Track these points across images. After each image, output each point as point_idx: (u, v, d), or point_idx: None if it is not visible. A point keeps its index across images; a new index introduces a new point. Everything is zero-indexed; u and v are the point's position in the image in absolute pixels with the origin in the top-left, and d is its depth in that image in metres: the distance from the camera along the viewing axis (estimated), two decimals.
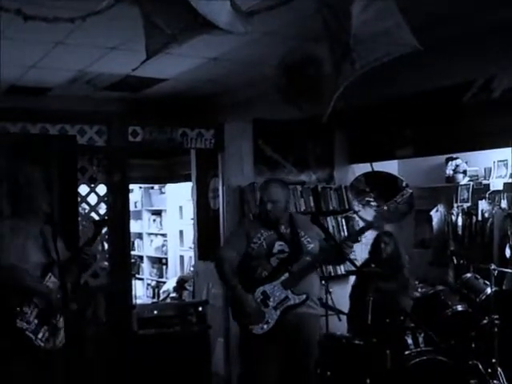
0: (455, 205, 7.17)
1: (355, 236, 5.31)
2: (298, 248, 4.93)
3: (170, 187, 10.85)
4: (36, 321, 4.20)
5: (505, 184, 6.64)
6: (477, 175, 7.13)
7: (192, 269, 8.90)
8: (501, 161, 6.76)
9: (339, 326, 5.95)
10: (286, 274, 4.85)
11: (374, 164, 7.41)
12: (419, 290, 6.17)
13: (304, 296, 4.84)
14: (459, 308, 5.69)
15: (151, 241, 11.68)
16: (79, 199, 6.17)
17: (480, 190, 6.95)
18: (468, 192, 7.08)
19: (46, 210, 4.44)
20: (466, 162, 7.22)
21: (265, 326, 4.80)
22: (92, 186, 6.34)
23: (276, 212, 4.96)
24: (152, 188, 11.48)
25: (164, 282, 10.45)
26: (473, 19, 4.66)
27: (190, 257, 9.65)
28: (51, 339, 4.21)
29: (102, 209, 6.45)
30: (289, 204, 5.10)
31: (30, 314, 4.18)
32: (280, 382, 4.91)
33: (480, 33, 4.81)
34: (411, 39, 3.06)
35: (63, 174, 5.83)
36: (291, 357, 4.90)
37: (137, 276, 11.20)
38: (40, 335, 4.20)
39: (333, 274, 6.98)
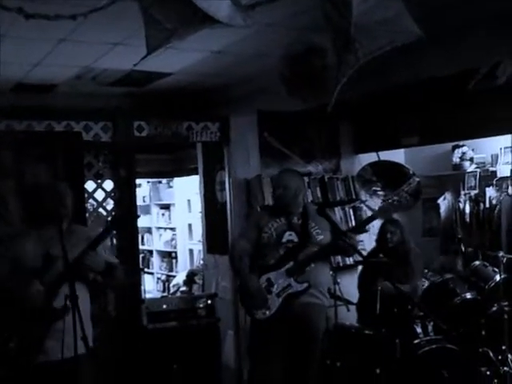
0: (462, 192, 7.17)
1: (359, 228, 5.41)
2: (306, 238, 5.01)
3: (177, 181, 10.87)
4: None
5: None
6: (483, 162, 7.12)
7: (201, 262, 8.91)
8: (507, 147, 6.75)
9: (348, 317, 5.95)
10: (291, 263, 4.92)
11: (380, 153, 7.40)
12: (428, 278, 6.18)
13: (306, 284, 4.89)
14: (468, 296, 5.69)
15: (160, 235, 11.71)
16: (86, 195, 6.19)
17: (487, 177, 6.95)
18: (475, 179, 7.07)
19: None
20: (473, 150, 7.22)
21: (267, 312, 4.94)
22: (99, 181, 6.36)
23: (285, 198, 5.10)
24: (160, 182, 11.49)
25: (174, 276, 10.47)
26: (475, 7, 4.64)
27: (200, 250, 9.66)
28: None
29: (110, 204, 6.47)
30: (301, 193, 5.20)
31: None
32: (286, 368, 4.97)
33: (483, 20, 4.79)
34: (414, 27, 3.06)
35: (69, 170, 5.86)
36: (295, 344, 4.98)
37: (146, 270, 11.24)
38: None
39: (341, 264, 6.99)
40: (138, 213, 5.48)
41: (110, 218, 6.33)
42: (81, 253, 3.98)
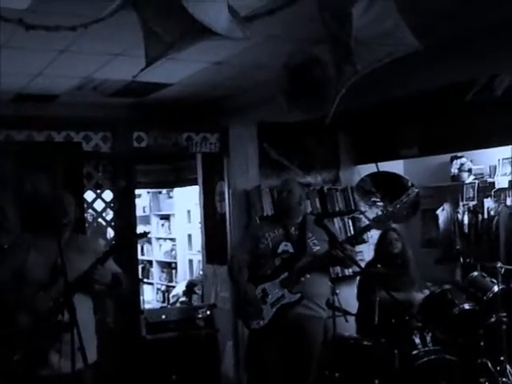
0: (461, 203, 7.18)
1: (354, 238, 5.43)
2: (301, 249, 5.03)
3: (177, 191, 10.87)
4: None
5: (510, 182, 6.64)
6: (482, 173, 7.14)
7: (201, 272, 8.91)
8: (505, 158, 6.77)
9: (347, 328, 5.95)
10: (286, 274, 4.93)
11: (379, 164, 7.42)
12: (427, 288, 6.17)
13: (299, 295, 4.90)
14: (466, 306, 5.67)
15: (160, 245, 11.69)
16: (85, 206, 6.20)
17: (485, 188, 6.96)
18: (473, 190, 7.09)
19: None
20: (471, 161, 7.23)
21: (261, 322, 4.96)
22: (98, 192, 6.37)
23: (289, 201, 5.15)
24: (160, 193, 11.49)
25: (174, 287, 10.46)
26: (473, 18, 4.66)
27: (199, 260, 9.66)
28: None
29: (109, 215, 6.48)
30: (303, 202, 5.32)
31: None
32: (284, 379, 4.98)
33: (482, 31, 4.81)
34: (412, 39, 3.08)
35: (69, 180, 5.87)
36: (290, 355, 4.97)
37: (146, 281, 11.23)
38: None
39: (340, 275, 6.99)
40: (146, 230, 5.33)
41: (117, 234, 6.32)
42: (90, 267, 3.93)
